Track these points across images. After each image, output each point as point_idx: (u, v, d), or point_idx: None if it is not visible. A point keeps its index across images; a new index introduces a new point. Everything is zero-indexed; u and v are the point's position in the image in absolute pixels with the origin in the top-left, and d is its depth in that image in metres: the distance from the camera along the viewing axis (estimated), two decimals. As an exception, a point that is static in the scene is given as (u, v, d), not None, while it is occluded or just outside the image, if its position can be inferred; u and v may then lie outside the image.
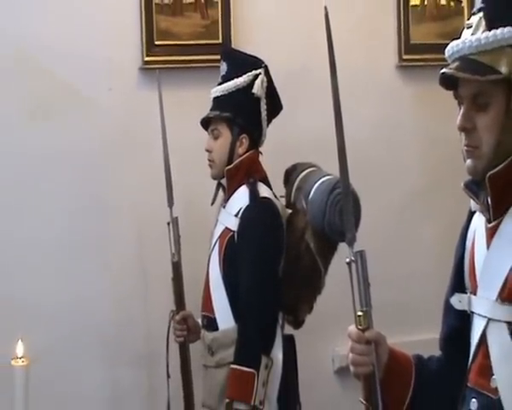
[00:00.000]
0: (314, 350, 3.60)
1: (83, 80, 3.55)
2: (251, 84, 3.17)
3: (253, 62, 3.21)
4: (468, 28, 1.84)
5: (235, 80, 3.18)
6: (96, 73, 3.57)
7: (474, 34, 1.81)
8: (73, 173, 3.56)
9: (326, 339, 3.62)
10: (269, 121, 3.24)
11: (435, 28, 3.95)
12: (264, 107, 3.19)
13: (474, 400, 1.86)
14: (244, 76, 3.17)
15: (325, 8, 1.86)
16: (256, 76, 3.17)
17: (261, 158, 3.24)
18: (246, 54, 3.30)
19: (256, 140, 3.21)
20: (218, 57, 3.33)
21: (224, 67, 3.24)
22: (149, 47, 3.61)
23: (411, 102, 3.95)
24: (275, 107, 3.25)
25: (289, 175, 3.23)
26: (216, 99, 3.22)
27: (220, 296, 3.12)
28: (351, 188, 2.04)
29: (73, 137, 3.54)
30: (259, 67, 3.19)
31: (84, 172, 3.57)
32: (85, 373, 3.52)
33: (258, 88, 3.16)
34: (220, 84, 3.21)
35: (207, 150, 3.22)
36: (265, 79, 3.18)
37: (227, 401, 3.01)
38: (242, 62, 3.22)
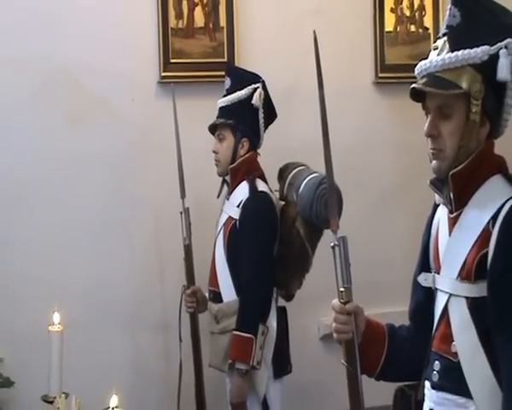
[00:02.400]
0: (303, 320, 3.60)
1: (110, 93, 3.55)
2: (251, 96, 3.17)
3: (253, 78, 3.21)
4: (434, 50, 1.83)
5: (238, 93, 3.18)
6: (121, 87, 3.57)
7: (439, 55, 1.80)
8: (102, 170, 3.55)
9: (313, 310, 3.62)
10: (265, 127, 3.23)
11: (406, 51, 3.94)
12: (261, 115, 3.19)
13: (437, 362, 1.86)
14: (245, 89, 3.17)
15: (314, 32, 1.86)
16: (255, 89, 3.17)
17: (259, 158, 3.23)
18: (246, 71, 3.29)
19: (255, 143, 3.21)
20: (224, 73, 3.32)
21: (228, 81, 3.23)
22: (166, 64, 3.60)
23: (386, 113, 3.95)
24: (270, 115, 3.24)
25: (282, 173, 3.23)
26: (221, 108, 3.21)
27: (224, 274, 3.12)
28: (334, 184, 2.04)
29: (103, 141, 3.54)
30: (258, 82, 3.18)
31: (111, 169, 3.57)
32: (111, 338, 3.52)
33: (256, 100, 3.16)
34: (225, 96, 3.21)
35: (214, 152, 3.22)
36: (263, 92, 3.18)
37: (230, 361, 3.01)
38: (243, 78, 3.22)
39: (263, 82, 3.18)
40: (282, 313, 3.16)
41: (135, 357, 3.58)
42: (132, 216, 3.60)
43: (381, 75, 3.93)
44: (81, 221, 3.50)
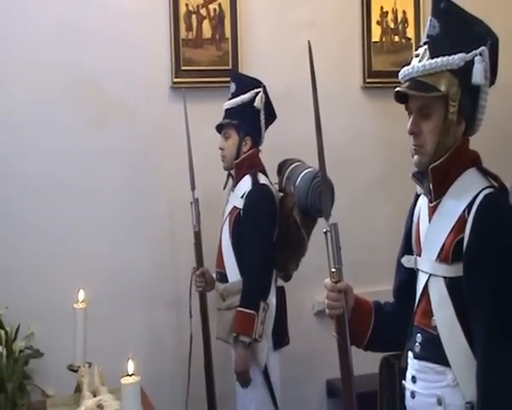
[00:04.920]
0: (299, 298, 3.59)
1: (127, 97, 3.52)
2: (253, 99, 3.15)
3: (255, 83, 3.19)
4: (416, 57, 1.82)
5: (242, 97, 3.16)
6: (137, 91, 3.54)
7: (420, 61, 1.79)
8: (121, 165, 3.53)
9: (308, 289, 3.61)
10: (266, 127, 3.22)
11: (390, 59, 3.91)
12: (262, 116, 3.18)
13: (418, 335, 1.86)
14: (248, 93, 3.16)
15: (308, 42, 1.85)
16: (257, 93, 3.16)
17: (260, 155, 3.22)
18: (249, 76, 3.27)
19: (257, 141, 3.20)
20: (229, 79, 3.31)
21: (233, 86, 3.22)
22: (177, 71, 3.57)
23: (372, 114, 3.92)
24: (271, 116, 3.23)
25: (281, 167, 3.22)
26: (227, 110, 3.20)
27: (230, 257, 3.11)
28: (327, 177, 2.03)
29: (122, 139, 3.52)
30: (259, 87, 3.17)
31: (129, 164, 3.54)
32: (129, 314, 3.50)
33: (258, 102, 3.15)
34: (230, 99, 3.20)
35: (220, 148, 3.20)
36: (264, 96, 3.17)
37: (235, 334, 3.01)
38: (247, 83, 3.20)
39: (264, 87, 3.17)
40: (280, 291, 3.15)
41: (151, 331, 3.57)
42: (148, 206, 3.58)
43: (368, 80, 3.90)
44: (103, 210, 3.49)
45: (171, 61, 3.57)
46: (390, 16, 3.92)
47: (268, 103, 3.19)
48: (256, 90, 3.15)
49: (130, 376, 1.93)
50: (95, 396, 2.41)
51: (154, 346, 3.56)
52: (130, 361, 1.95)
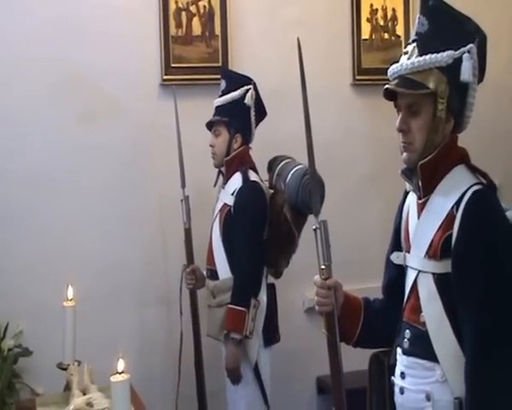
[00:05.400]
0: (290, 295, 3.59)
1: (117, 94, 3.51)
2: (243, 96, 3.15)
3: (245, 80, 3.19)
4: (404, 54, 1.83)
5: (232, 94, 3.16)
6: (127, 88, 3.53)
7: (409, 59, 1.80)
8: (112, 162, 3.51)
9: (298, 286, 3.61)
10: (257, 124, 3.22)
11: (380, 56, 3.91)
12: (253, 114, 3.17)
13: (407, 331, 1.86)
14: (238, 90, 3.15)
15: (298, 39, 1.85)
16: (247, 90, 3.15)
17: (251, 152, 3.22)
18: (239, 74, 3.27)
19: (247, 138, 3.20)
20: (219, 76, 3.30)
21: (223, 83, 3.21)
22: (167, 68, 3.56)
23: (362, 111, 3.93)
24: (261, 113, 3.23)
25: (271, 164, 3.22)
26: (217, 107, 3.20)
27: (220, 254, 3.11)
28: (317, 174, 2.03)
29: (111, 136, 3.50)
30: (250, 84, 3.17)
31: (119, 161, 3.53)
32: (119, 311, 3.49)
33: (248, 99, 3.15)
34: (220, 96, 3.19)
35: (211, 145, 3.20)
36: (254, 93, 3.16)
37: (225, 331, 3.00)
38: (237, 80, 3.20)
39: (254, 84, 3.17)
40: (271, 288, 3.15)
41: (141, 328, 3.56)
42: (139, 203, 3.57)
43: (358, 78, 3.91)
44: (93, 207, 3.47)
45: (160, 58, 3.56)
46: (380, 14, 3.93)
47: (258, 100, 3.19)
48: (246, 87, 3.15)
49: (120, 374, 1.93)
50: (84, 394, 2.41)
51: (144, 343, 3.55)
52: (119, 359, 1.95)
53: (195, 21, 3.60)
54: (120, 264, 3.51)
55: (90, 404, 2.32)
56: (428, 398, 1.78)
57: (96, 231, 3.48)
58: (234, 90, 3.15)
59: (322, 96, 3.72)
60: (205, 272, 3.25)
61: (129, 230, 3.55)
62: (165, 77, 3.56)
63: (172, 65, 3.57)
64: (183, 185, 3.32)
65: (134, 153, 3.56)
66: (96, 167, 3.48)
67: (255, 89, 3.17)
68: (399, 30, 3.96)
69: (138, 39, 3.54)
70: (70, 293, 2.58)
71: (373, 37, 3.93)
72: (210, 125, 3.21)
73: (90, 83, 3.45)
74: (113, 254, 3.50)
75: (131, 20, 3.52)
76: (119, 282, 3.50)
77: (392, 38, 3.95)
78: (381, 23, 3.94)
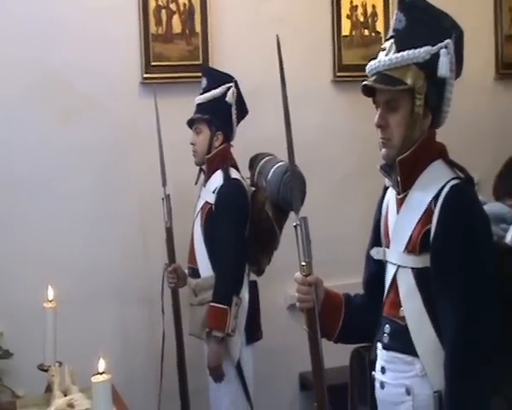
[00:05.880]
0: (272, 292, 3.60)
1: (97, 92, 3.49)
2: (225, 94, 3.15)
3: (227, 78, 3.19)
4: (382, 51, 1.83)
5: (213, 91, 3.16)
6: (107, 87, 3.51)
7: (387, 55, 1.81)
8: (91, 163, 3.50)
9: (280, 283, 3.61)
10: (238, 122, 3.22)
11: (361, 52, 3.93)
12: (234, 112, 3.17)
13: (387, 326, 1.87)
14: (220, 88, 3.15)
15: (277, 36, 1.85)
16: (229, 88, 3.15)
17: (232, 149, 3.22)
18: (221, 71, 3.26)
19: (228, 136, 3.20)
20: (199, 74, 3.30)
21: (204, 81, 3.21)
22: (147, 66, 3.55)
23: (343, 108, 3.94)
24: (243, 111, 3.23)
25: (253, 162, 3.23)
26: (198, 105, 3.19)
27: (202, 252, 3.11)
28: (298, 171, 2.03)
29: (90, 136, 3.48)
30: (231, 82, 3.17)
31: (99, 160, 3.51)
32: (101, 312, 3.47)
33: (230, 97, 3.15)
34: (202, 94, 3.19)
35: (192, 143, 3.20)
36: (235, 91, 3.16)
37: (207, 330, 3.00)
38: (218, 78, 3.20)
39: (235, 81, 3.17)
40: (253, 286, 3.16)
41: (123, 328, 3.55)
42: (120, 202, 3.56)
43: (338, 74, 3.92)
44: (73, 206, 3.45)
45: (140, 56, 3.55)
46: (360, 10, 3.95)
47: (240, 98, 3.19)
48: (228, 85, 3.15)
49: (101, 374, 1.92)
50: (65, 396, 2.40)
51: (126, 343, 3.54)
52: (100, 359, 1.94)
53: (175, 19, 3.60)
54: (101, 264, 3.49)
55: (71, 405, 2.31)
56: (408, 392, 1.79)
57: (77, 231, 3.46)
58: (215, 88, 3.15)
59: (303, 94, 3.73)
60: (186, 271, 3.24)
61: (110, 229, 3.53)
62: (145, 75, 3.55)
63: (152, 63, 3.56)
64: (164, 184, 3.31)
65: (114, 152, 3.54)
66: (76, 168, 3.46)
67: (236, 86, 3.17)
68: (379, 26, 3.97)
69: (118, 37, 3.52)
70: (50, 294, 2.56)
71: (353, 33, 3.94)
72: (191, 123, 3.21)
73: (69, 83, 3.43)
74: (94, 254, 3.48)
75: (111, 18, 3.51)
76: (99, 282, 3.48)
77: (372, 34, 3.97)
78: (361, 19, 3.96)
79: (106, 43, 3.50)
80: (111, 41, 3.51)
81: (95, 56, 3.48)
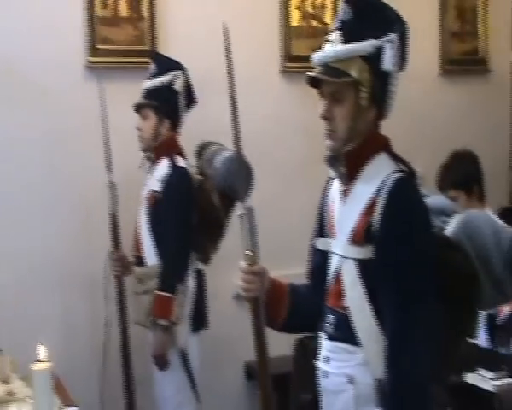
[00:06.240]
0: (218, 280, 3.58)
1: (40, 77, 3.41)
2: (173, 82, 3.12)
3: (176, 65, 3.16)
4: (328, 42, 1.84)
5: (161, 78, 3.13)
6: (50, 71, 3.44)
7: (332, 47, 1.82)
8: (34, 149, 3.43)
9: (227, 272, 3.55)
10: (186, 112, 3.20)
11: (309, 43, 3.94)
12: (182, 100, 3.16)
13: (330, 316, 1.89)
14: (168, 75, 3.13)
15: (224, 24, 1.83)
16: (177, 76, 3.13)
17: (179, 138, 3.19)
18: (170, 58, 3.23)
19: (175, 124, 3.18)
20: (146, 60, 3.26)
21: (153, 66, 3.18)
22: (92, 50, 3.49)
23: (291, 98, 3.95)
24: (191, 101, 3.22)
25: (200, 150, 3.21)
26: (146, 90, 3.16)
27: (147, 241, 3.09)
28: (244, 160, 2.02)
29: (34, 122, 3.41)
30: (180, 70, 3.14)
31: (42, 147, 3.45)
32: (44, 299, 3.42)
33: (178, 86, 3.13)
34: (150, 79, 3.15)
35: (138, 128, 3.17)
36: (184, 80, 3.14)
37: (152, 318, 2.99)
38: (167, 65, 3.17)
39: (185, 70, 3.14)
40: (199, 274, 3.15)
41: (66, 316, 3.50)
42: (64, 189, 3.50)
43: (287, 65, 3.93)
44: (16, 193, 3.39)
45: (85, 39, 3.48)
46: (309, 1, 3.96)
47: (188, 87, 3.17)
48: (176, 73, 3.13)
49: (41, 362, 1.90)
50: (5, 384, 2.36)
51: (69, 331, 3.49)
52: (41, 347, 1.91)
53: (122, 2, 3.54)
54: (45, 251, 3.44)
55: (11, 393, 2.28)
56: (350, 381, 1.82)
57: (19, 218, 3.40)
58: (163, 75, 3.12)
59: (252, 83, 3.72)
60: (132, 259, 3.21)
61: (53, 216, 3.48)
62: (90, 59, 3.49)
63: (98, 47, 3.50)
64: (110, 170, 3.26)
65: (58, 138, 3.48)
66: (19, 155, 3.40)
67: (185, 75, 3.15)
68: (328, 18, 3.99)
69: (61, 20, 3.46)
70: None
71: (302, 24, 3.95)
72: (138, 108, 3.17)
73: (11, 68, 3.35)
74: (37, 240, 3.43)
75: (55, 0, 3.42)
76: (42, 269, 3.43)
77: (321, 25, 3.99)
78: (310, 10, 3.97)
79: (50, 25, 3.42)
80: (54, 24, 3.44)
81: (38, 40, 3.41)
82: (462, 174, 3.30)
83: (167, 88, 3.11)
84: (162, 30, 3.61)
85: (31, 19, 3.39)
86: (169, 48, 3.55)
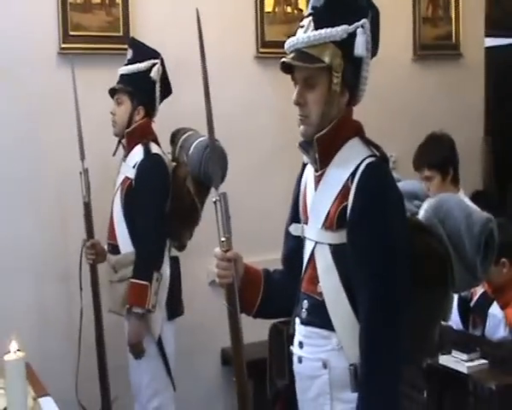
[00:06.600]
0: (193, 267, 3.58)
1: (14, 64, 3.37)
2: (149, 70, 3.11)
3: (153, 53, 3.14)
4: (301, 28, 1.84)
5: (138, 65, 3.11)
6: (22, 58, 3.38)
7: (305, 33, 1.82)
8: (5, 136, 3.38)
9: (202, 259, 3.52)
10: (161, 100, 3.18)
11: (283, 29, 3.92)
12: (158, 89, 3.14)
13: (305, 301, 1.90)
14: (145, 63, 3.11)
15: (197, 10, 1.83)
16: (154, 64, 3.11)
17: (153, 124, 3.17)
18: (147, 46, 3.19)
19: (150, 112, 3.16)
20: (120, 46, 3.24)
21: (130, 52, 3.16)
22: (65, 36, 3.44)
23: (266, 84, 3.93)
24: (166, 90, 3.20)
25: (174, 137, 3.20)
26: (122, 76, 3.13)
27: (121, 228, 3.07)
28: (218, 146, 2.02)
29: (5, 109, 3.36)
30: (157, 58, 3.12)
31: (14, 134, 3.40)
32: (16, 289, 3.38)
33: (155, 73, 3.11)
34: (126, 65, 3.13)
35: (112, 113, 3.14)
36: (161, 68, 3.12)
37: (128, 306, 2.98)
38: (144, 52, 3.15)
39: (162, 59, 3.12)
40: (174, 261, 3.14)
41: (39, 305, 3.46)
42: (37, 177, 3.46)
43: (261, 50, 3.92)
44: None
45: (58, 25, 3.43)
46: (283, -14, 3.95)
47: (164, 76, 3.15)
48: (153, 61, 3.11)
49: (15, 352, 1.88)
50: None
51: (42, 320, 3.46)
52: (13, 338, 1.89)
53: (95, -12, 3.50)
54: (18, 239, 3.40)
55: (-17, 385, 2.24)
56: (325, 366, 1.83)
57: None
58: (140, 62, 3.10)
59: (226, 69, 3.71)
60: (106, 247, 3.19)
61: (26, 204, 3.44)
62: (62, 45, 3.45)
63: (70, 33, 3.45)
64: (82, 158, 3.23)
65: (31, 124, 3.43)
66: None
67: (162, 64, 3.13)
68: (302, 4, 3.98)
69: (33, 5, 3.40)
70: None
71: (276, 10, 3.94)
72: (113, 93, 3.14)
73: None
74: (10, 228, 3.39)
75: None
76: (15, 257, 3.39)
77: (295, 11, 3.98)
78: (285, -4, 3.96)
79: (20, 11, 3.37)
80: (26, 9, 3.38)
81: (8, 26, 3.35)
82: (439, 156, 3.32)
83: (143, 76, 3.09)
84: (135, 16, 3.57)
85: (2, 5, 3.33)
86: (142, 34, 3.50)
